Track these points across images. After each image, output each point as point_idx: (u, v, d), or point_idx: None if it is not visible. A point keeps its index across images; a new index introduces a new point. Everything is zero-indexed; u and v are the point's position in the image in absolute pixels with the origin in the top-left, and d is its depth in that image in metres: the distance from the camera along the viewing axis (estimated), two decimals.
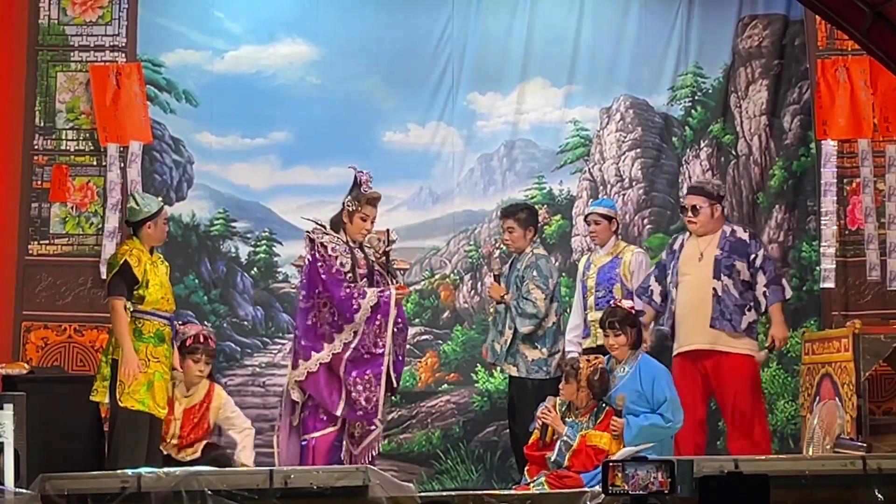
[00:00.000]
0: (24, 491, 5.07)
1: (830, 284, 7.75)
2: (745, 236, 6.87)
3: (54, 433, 6.37)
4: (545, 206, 8.19)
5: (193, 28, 8.03)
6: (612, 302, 6.77)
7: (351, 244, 6.46)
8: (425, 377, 7.99)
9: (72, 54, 7.74)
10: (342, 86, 8.13)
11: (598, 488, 5.25)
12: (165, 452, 6.43)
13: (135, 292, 6.22)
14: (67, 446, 6.45)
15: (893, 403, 7.43)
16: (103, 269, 7.35)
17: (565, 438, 6.21)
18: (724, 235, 6.87)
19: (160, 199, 6.69)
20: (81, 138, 7.71)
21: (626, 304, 6.59)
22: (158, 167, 7.91)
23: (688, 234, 7.02)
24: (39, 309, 7.58)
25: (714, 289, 6.77)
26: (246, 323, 7.96)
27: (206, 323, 7.62)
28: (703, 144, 8.25)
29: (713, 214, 6.88)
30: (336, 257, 6.37)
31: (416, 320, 7.96)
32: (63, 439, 6.44)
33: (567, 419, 6.30)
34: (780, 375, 7.92)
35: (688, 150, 8.25)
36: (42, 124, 7.70)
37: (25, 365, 6.99)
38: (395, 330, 6.37)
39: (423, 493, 5.69)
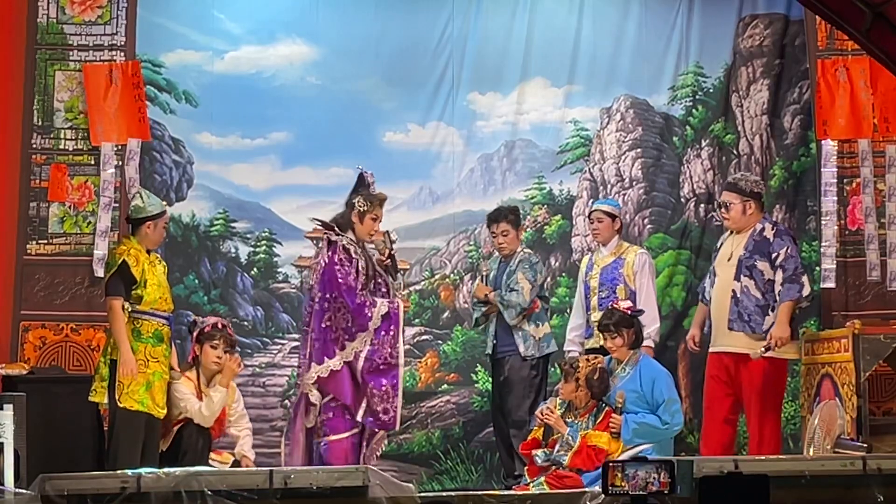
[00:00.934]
0: (24, 491, 5.08)
1: (831, 284, 7.74)
2: (771, 234, 6.76)
3: (54, 433, 6.37)
4: (545, 206, 8.19)
5: (193, 28, 8.02)
6: (611, 303, 6.77)
7: (359, 246, 6.48)
8: (425, 377, 7.98)
9: (70, 53, 7.72)
10: (342, 86, 8.13)
11: (598, 488, 5.25)
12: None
13: (133, 292, 6.21)
14: (67, 446, 6.46)
15: (893, 404, 7.43)
16: (97, 268, 7.34)
17: (566, 438, 6.21)
18: (752, 234, 6.80)
19: (164, 202, 6.69)
20: (80, 137, 7.70)
21: (624, 304, 6.59)
22: (158, 167, 7.91)
23: (728, 233, 6.99)
24: (37, 308, 7.56)
25: (733, 290, 6.74)
26: (246, 323, 7.95)
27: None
28: (703, 144, 8.24)
29: (745, 211, 6.80)
30: (357, 260, 6.38)
31: (416, 320, 7.96)
32: (63, 439, 6.45)
33: (567, 419, 6.30)
34: (787, 373, 7.90)
35: (688, 150, 8.25)
36: (40, 123, 7.68)
37: (25, 365, 6.99)
38: None
39: (423, 494, 5.70)
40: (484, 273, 7.25)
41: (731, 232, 6.94)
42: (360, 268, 6.38)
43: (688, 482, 4.97)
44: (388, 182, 8.08)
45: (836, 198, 7.77)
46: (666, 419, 6.21)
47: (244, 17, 8.11)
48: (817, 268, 7.84)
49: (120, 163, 7.61)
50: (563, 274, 8.08)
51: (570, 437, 6.21)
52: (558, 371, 7.87)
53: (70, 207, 7.65)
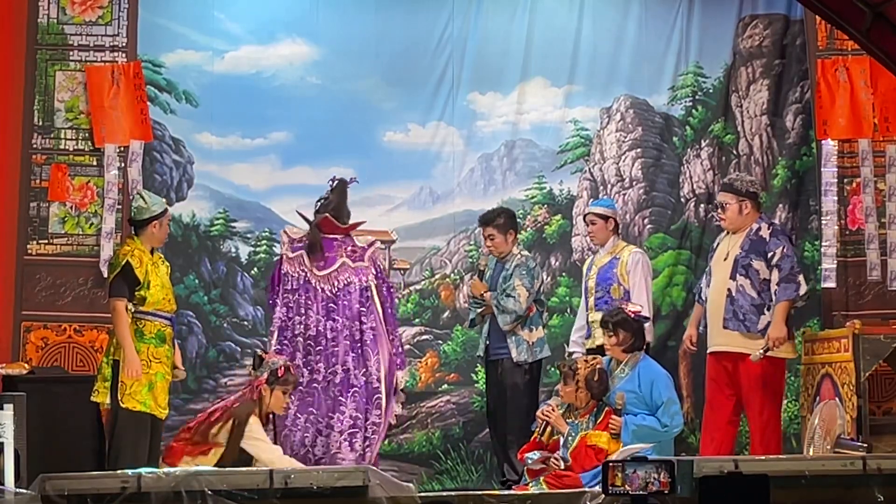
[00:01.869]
0: (24, 491, 5.07)
1: (831, 284, 7.74)
2: (767, 234, 6.78)
3: (54, 433, 6.37)
4: (545, 205, 8.19)
5: (193, 28, 8.02)
6: (621, 303, 6.76)
7: None
8: (425, 377, 7.98)
9: (71, 54, 7.72)
10: (342, 86, 8.13)
11: (598, 488, 5.25)
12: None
13: (136, 293, 6.21)
14: (67, 446, 6.46)
15: (893, 404, 7.43)
16: (105, 270, 7.34)
17: (567, 438, 6.21)
18: (748, 234, 6.81)
19: (164, 199, 6.70)
20: (80, 138, 7.70)
21: (633, 308, 6.54)
22: (159, 167, 7.91)
23: (724, 233, 7.01)
24: (39, 309, 7.56)
25: (728, 289, 6.74)
26: (246, 323, 7.95)
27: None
28: (703, 144, 8.24)
29: (741, 211, 6.82)
30: None
31: (416, 320, 7.96)
32: (63, 439, 6.45)
33: (567, 420, 6.30)
34: (786, 372, 7.90)
35: (688, 150, 8.25)
36: (41, 123, 7.69)
37: (25, 365, 6.99)
38: None
39: (423, 494, 5.69)
40: (482, 269, 7.24)
41: (728, 232, 6.94)
42: None
43: (688, 482, 4.97)
44: (388, 182, 8.14)
45: (836, 197, 7.78)
46: (665, 421, 6.20)
47: (244, 17, 8.11)
48: (819, 267, 7.84)
49: (122, 164, 7.61)
50: (563, 274, 8.08)
51: (570, 437, 6.21)
52: (556, 370, 7.90)
53: (71, 208, 7.65)
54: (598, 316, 7.06)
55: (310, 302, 6.56)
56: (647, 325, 6.98)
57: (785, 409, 7.85)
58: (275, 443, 6.32)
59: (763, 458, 6.06)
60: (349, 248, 6.67)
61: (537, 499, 5.55)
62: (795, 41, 8.21)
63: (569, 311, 7.94)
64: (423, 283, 8.09)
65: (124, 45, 7.73)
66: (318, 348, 6.57)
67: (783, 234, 6.94)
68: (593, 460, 6.12)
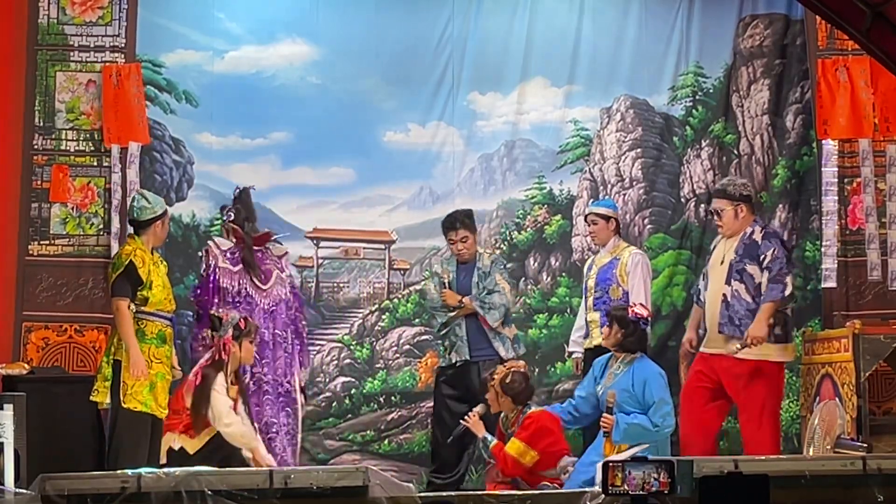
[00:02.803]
0: (24, 491, 5.07)
1: (832, 284, 7.74)
2: (759, 237, 6.78)
3: (54, 433, 6.37)
4: (545, 205, 8.19)
5: (193, 28, 8.02)
6: (630, 302, 6.77)
7: None
8: (425, 377, 7.97)
9: (71, 54, 7.72)
10: (342, 86, 8.13)
11: (598, 488, 5.25)
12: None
13: (139, 293, 6.21)
14: (67, 446, 6.46)
15: (893, 404, 7.43)
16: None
17: (481, 443, 6.38)
18: (742, 238, 6.81)
19: (163, 200, 6.70)
20: (81, 139, 7.70)
21: (638, 310, 6.53)
22: (158, 167, 7.91)
23: (720, 237, 7.02)
24: (40, 309, 7.56)
25: (724, 294, 6.74)
26: None
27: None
28: (704, 144, 8.24)
29: (737, 215, 6.82)
30: None
31: (416, 320, 7.96)
32: (63, 439, 6.44)
33: (510, 431, 6.35)
34: (784, 375, 7.90)
35: (689, 150, 8.25)
36: (42, 124, 7.68)
37: (25, 365, 6.99)
38: None
39: (423, 494, 5.69)
40: (446, 279, 7.23)
41: (723, 236, 6.96)
42: None
43: (688, 482, 4.97)
44: (388, 182, 8.13)
45: (836, 197, 7.77)
46: (656, 421, 6.20)
47: (244, 17, 8.11)
48: (820, 267, 7.84)
49: (122, 165, 7.61)
50: (563, 274, 8.08)
51: (486, 442, 6.33)
52: (556, 370, 7.90)
53: (73, 209, 7.65)
54: (596, 316, 7.07)
55: (251, 317, 6.69)
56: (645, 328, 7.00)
57: (785, 410, 7.86)
58: (243, 402, 6.50)
59: (763, 458, 6.06)
60: (275, 258, 6.96)
61: (537, 499, 5.55)
62: (796, 41, 8.21)
63: (569, 311, 7.94)
64: (423, 283, 8.08)
65: (124, 45, 7.72)
66: (263, 360, 6.81)
67: (775, 236, 6.94)
68: (504, 465, 6.20)
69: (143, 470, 5.28)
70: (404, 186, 8.15)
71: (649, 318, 6.54)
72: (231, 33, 8.09)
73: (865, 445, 6.31)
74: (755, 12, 8.27)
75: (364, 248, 8.12)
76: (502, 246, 8.14)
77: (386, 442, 7.92)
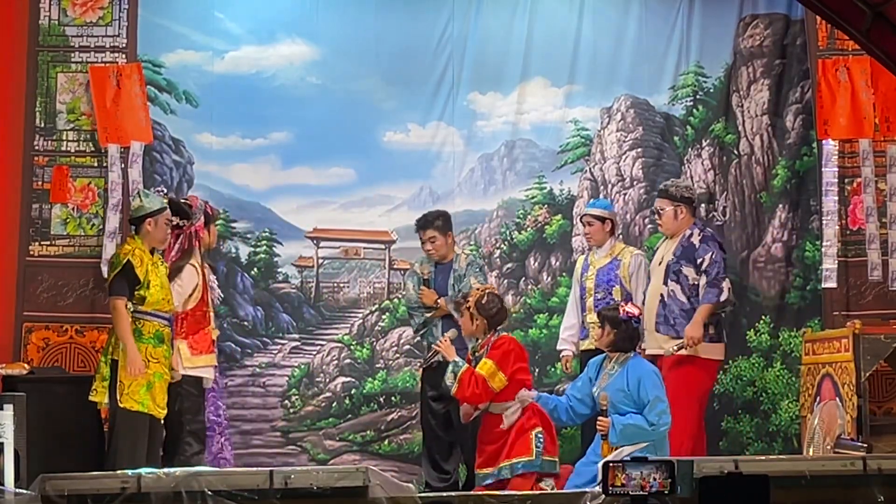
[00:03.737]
0: (24, 491, 5.08)
1: (832, 284, 7.74)
2: (697, 240, 6.98)
3: (54, 433, 6.37)
4: (546, 205, 8.19)
5: (193, 28, 8.02)
6: (622, 302, 6.78)
7: None
8: None
9: (72, 55, 7.73)
10: (342, 86, 8.13)
11: (598, 488, 5.25)
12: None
13: (136, 293, 6.22)
14: (67, 446, 6.45)
15: (894, 404, 7.43)
16: (105, 270, 7.34)
17: (451, 367, 6.32)
18: (681, 240, 7.01)
19: (164, 199, 6.70)
20: (82, 139, 7.71)
21: (630, 309, 6.54)
22: (159, 167, 7.91)
23: (664, 238, 7.19)
24: (40, 310, 7.57)
25: (661, 294, 6.93)
26: (246, 323, 7.95)
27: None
28: (704, 144, 8.24)
29: (677, 216, 7.04)
30: None
31: (412, 322, 7.93)
32: (63, 439, 6.44)
33: (477, 354, 6.40)
34: (784, 375, 7.91)
35: (689, 150, 8.25)
36: (42, 125, 7.69)
37: (25, 365, 6.99)
38: None
39: (423, 494, 5.69)
40: (426, 277, 7.24)
41: (665, 237, 7.13)
42: None
43: (688, 482, 4.97)
44: (388, 182, 8.13)
45: (836, 198, 7.77)
46: (652, 419, 6.19)
47: (244, 17, 8.11)
48: (820, 267, 7.84)
49: (124, 165, 7.61)
50: (563, 274, 8.08)
51: (456, 366, 6.31)
52: (556, 370, 7.90)
53: (73, 209, 7.66)
54: (596, 317, 7.06)
55: None
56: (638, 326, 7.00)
57: (785, 410, 7.86)
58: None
59: (763, 458, 6.09)
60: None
61: (537, 499, 5.55)
62: (796, 41, 8.20)
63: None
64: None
65: (124, 45, 7.73)
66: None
67: (713, 240, 7.10)
68: (474, 389, 6.22)
69: (143, 470, 5.29)
70: (404, 186, 8.15)
71: (641, 317, 6.55)
72: (231, 33, 8.09)
73: (866, 445, 6.31)
74: (755, 12, 8.27)
75: (364, 248, 8.12)
76: (502, 246, 8.14)
77: (386, 442, 7.92)
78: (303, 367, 7.95)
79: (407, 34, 8.15)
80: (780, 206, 8.13)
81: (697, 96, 8.25)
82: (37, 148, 7.68)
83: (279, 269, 8.04)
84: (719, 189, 8.18)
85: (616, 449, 6.09)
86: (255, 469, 6.14)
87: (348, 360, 8.00)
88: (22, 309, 7.56)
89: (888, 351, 6.69)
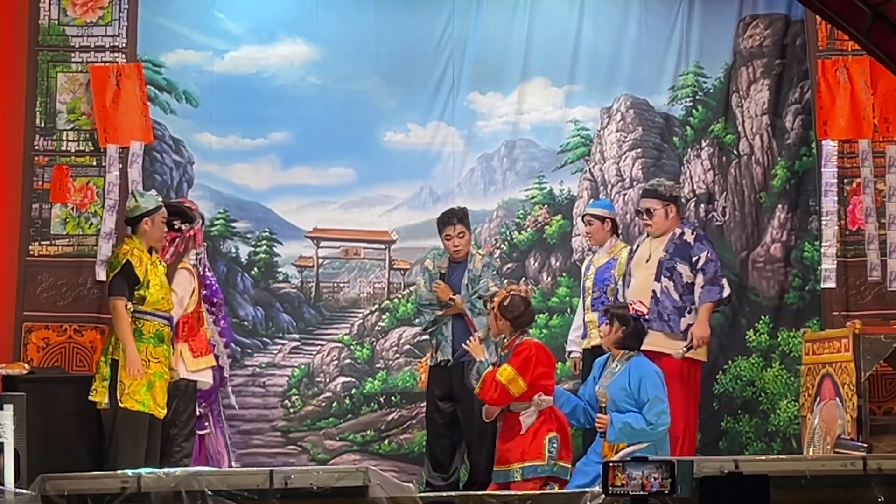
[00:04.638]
0: (24, 491, 5.08)
1: (831, 284, 7.74)
2: (691, 238, 6.96)
3: (54, 433, 6.37)
4: (546, 205, 8.20)
5: (193, 28, 8.03)
6: (631, 300, 6.79)
7: None
8: (425, 377, 7.95)
9: (72, 55, 7.72)
10: (342, 86, 8.14)
11: (598, 488, 5.26)
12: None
13: (136, 292, 6.22)
14: (67, 446, 6.46)
15: (894, 404, 7.43)
16: (99, 270, 7.34)
17: (477, 366, 6.36)
18: (672, 237, 6.99)
19: (160, 198, 6.70)
20: (82, 139, 7.70)
21: (639, 307, 6.55)
22: (159, 167, 7.92)
23: (645, 236, 7.15)
24: (40, 309, 7.56)
25: (654, 290, 6.90)
26: (246, 323, 7.96)
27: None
28: (704, 144, 8.25)
29: (667, 215, 7.03)
30: None
31: (417, 321, 7.95)
32: (63, 439, 6.45)
33: (502, 353, 6.42)
34: (783, 375, 7.92)
35: (689, 150, 8.25)
36: (42, 125, 7.69)
37: (25, 365, 6.99)
38: None
39: (423, 494, 5.70)
40: (442, 271, 7.23)
41: (647, 235, 7.11)
42: None
43: (688, 482, 4.97)
44: (388, 182, 8.14)
45: (836, 198, 7.77)
46: (650, 419, 6.19)
47: (244, 17, 8.12)
48: (819, 268, 7.85)
49: (122, 165, 7.61)
50: (563, 274, 8.09)
51: (482, 366, 6.32)
52: (557, 370, 7.91)
53: (73, 209, 7.66)
54: (594, 316, 7.08)
55: None
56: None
57: (784, 410, 7.86)
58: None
59: (763, 458, 6.08)
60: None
61: (537, 499, 5.55)
62: (796, 41, 8.21)
63: (569, 311, 7.94)
64: (416, 277, 8.07)
65: (124, 45, 7.73)
66: None
67: (706, 239, 7.12)
68: (492, 392, 6.23)
69: (143, 470, 5.29)
70: (404, 186, 8.16)
71: (648, 316, 6.56)
72: (231, 33, 8.10)
73: (866, 445, 6.31)
74: (755, 12, 8.28)
75: (364, 248, 8.12)
76: (502, 246, 8.14)
77: (386, 442, 7.93)
78: (303, 367, 7.96)
79: (407, 34, 8.16)
80: (780, 206, 8.14)
81: (697, 96, 8.26)
82: (37, 148, 7.67)
83: (279, 269, 8.05)
84: (719, 189, 8.19)
85: (613, 446, 6.10)
86: (255, 469, 6.15)
87: (348, 360, 8.01)
88: (22, 309, 7.55)
89: (888, 351, 6.69)
